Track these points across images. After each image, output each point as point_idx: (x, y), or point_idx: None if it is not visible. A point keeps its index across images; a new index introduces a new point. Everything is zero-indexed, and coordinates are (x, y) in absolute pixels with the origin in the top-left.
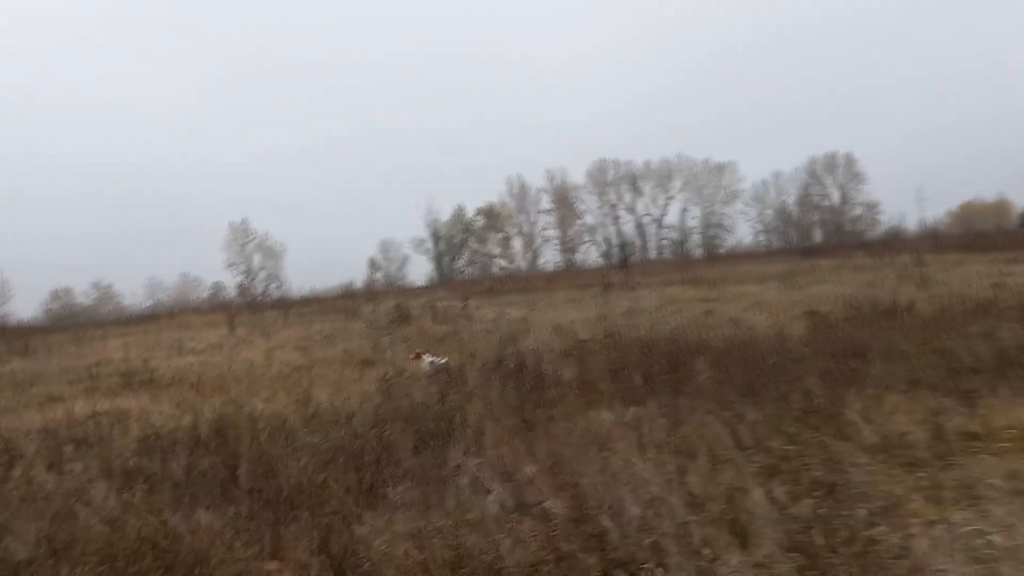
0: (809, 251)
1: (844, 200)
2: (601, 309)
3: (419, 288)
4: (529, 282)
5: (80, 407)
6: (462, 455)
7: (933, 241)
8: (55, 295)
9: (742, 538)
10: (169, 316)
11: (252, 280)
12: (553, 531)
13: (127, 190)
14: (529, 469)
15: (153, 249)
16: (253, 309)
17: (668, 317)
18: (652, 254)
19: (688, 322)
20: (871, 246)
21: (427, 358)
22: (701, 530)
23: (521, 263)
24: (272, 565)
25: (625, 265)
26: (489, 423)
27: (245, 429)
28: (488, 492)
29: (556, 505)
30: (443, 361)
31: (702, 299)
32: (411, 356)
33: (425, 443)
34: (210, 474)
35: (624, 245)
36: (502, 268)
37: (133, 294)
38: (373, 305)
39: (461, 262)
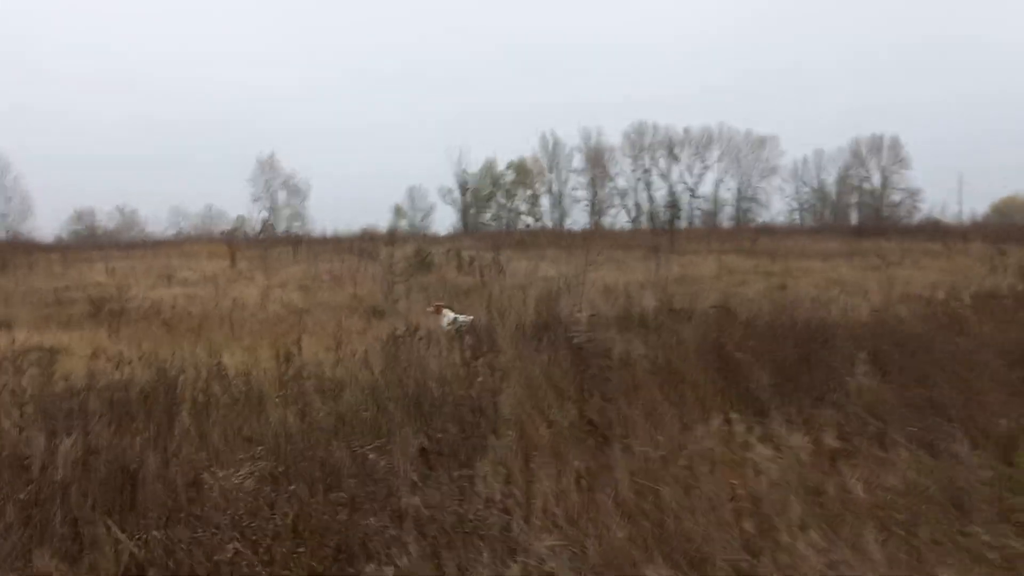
0: (858, 232)
1: (885, 184)
2: (651, 273)
3: (443, 237)
4: (561, 238)
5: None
6: (499, 485)
7: (999, 231)
8: (77, 216)
9: None
10: (173, 244)
11: (275, 216)
12: None
13: (162, 115)
14: (651, 571)
15: (185, 180)
16: (262, 242)
17: (734, 288)
18: (682, 223)
19: (761, 296)
20: (925, 232)
21: (449, 314)
22: None
23: (548, 221)
24: None
25: (670, 228)
26: (537, 425)
27: (188, 397)
28: None
29: None
30: (468, 320)
31: (765, 272)
32: (429, 309)
33: (440, 453)
34: (95, 477)
35: (671, 206)
36: (528, 225)
37: (156, 221)
38: (392, 248)
39: (487, 216)
